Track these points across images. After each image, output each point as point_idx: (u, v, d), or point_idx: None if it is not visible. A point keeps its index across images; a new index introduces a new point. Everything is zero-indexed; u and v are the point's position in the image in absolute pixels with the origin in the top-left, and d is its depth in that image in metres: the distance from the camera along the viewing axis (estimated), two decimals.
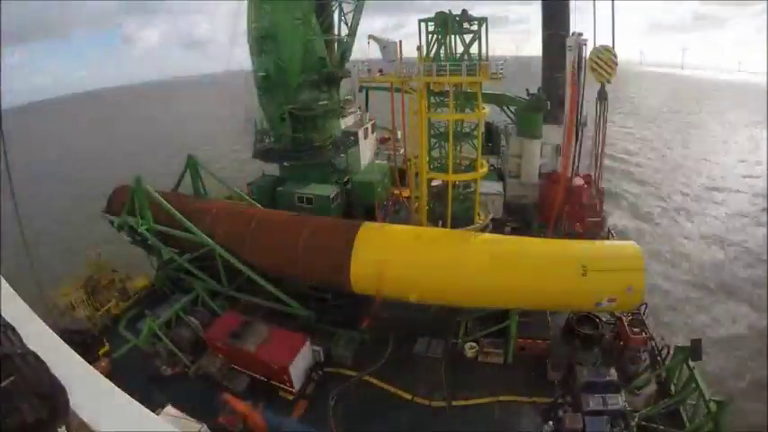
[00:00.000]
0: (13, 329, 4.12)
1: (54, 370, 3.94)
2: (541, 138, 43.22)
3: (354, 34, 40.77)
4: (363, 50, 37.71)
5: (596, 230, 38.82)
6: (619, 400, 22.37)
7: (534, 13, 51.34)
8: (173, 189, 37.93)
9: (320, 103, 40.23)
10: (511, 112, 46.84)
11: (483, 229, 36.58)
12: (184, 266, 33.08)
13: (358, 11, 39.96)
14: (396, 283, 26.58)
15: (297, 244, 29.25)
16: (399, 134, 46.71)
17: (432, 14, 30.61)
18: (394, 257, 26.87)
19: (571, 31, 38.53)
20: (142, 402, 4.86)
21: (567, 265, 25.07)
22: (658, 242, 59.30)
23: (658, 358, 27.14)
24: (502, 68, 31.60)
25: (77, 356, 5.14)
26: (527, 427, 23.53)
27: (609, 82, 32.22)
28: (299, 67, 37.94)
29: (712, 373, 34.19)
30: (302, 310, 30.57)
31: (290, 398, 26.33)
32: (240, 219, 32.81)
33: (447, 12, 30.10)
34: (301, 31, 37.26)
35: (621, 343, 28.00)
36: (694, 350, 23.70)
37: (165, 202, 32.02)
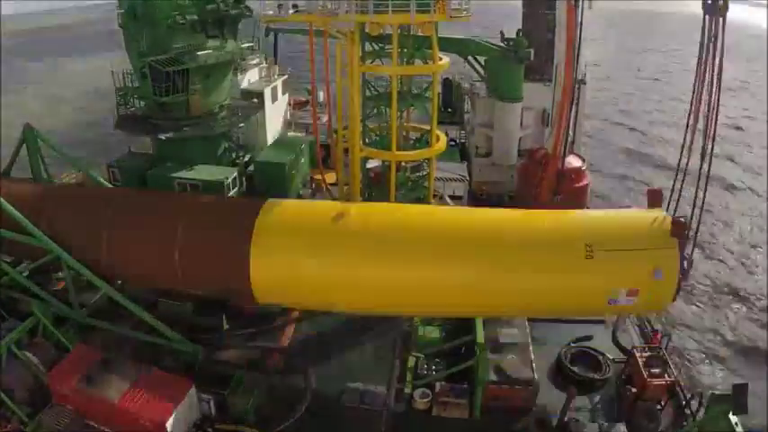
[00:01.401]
0: None
1: None
2: (521, 100, 42.75)
3: None
4: None
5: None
6: None
7: None
8: (2, 171, 36.07)
9: (205, 52, 38.37)
10: (479, 64, 46.05)
11: None
12: (18, 281, 31.31)
13: None
14: (316, 290, 25.91)
15: (171, 241, 27.86)
16: (321, 96, 47.06)
17: None
18: (312, 251, 25.63)
19: None
20: None
21: (563, 244, 24.20)
22: None
23: (686, 410, 26.27)
24: (468, 3, 31.31)
25: None
26: None
27: None
28: (173, 2, 36.26)
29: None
30: (185, 343, 29.16)
31: None
32: (91, 208, 31.19)
33: None
34: None
35: (634, 390, 26.78)
36: (738, 400, 22.54)
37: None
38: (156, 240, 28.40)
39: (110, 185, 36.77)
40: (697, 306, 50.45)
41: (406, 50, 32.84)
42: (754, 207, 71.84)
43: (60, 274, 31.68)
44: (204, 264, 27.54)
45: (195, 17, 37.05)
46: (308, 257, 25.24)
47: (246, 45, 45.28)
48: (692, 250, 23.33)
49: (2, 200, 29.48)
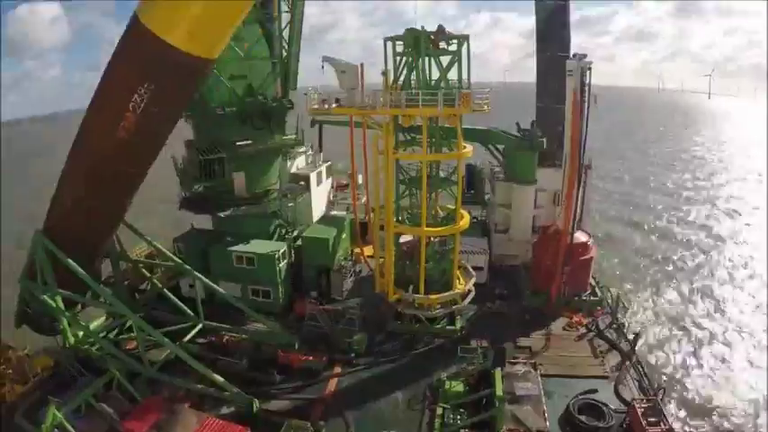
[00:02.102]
0: None
1: None
2: (535, 183, 44.97)
3: (296, 54, 42.76)
4: (317, 75, 37.72)
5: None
6: None
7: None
8: None
9: (245, 143, 41.34)
10: (498, 151, 48.20)
11: (464, 297, 38.15)
12: (96, 342, 33.29)
13: (297, 21, 41.71)
14: None
15: None
16: (360, 179, 47.67)
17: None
18: None
19: (572, 53, 40.44)
20: None
21: None
22: None
23: None
24: (487, 98, 32.86)
25: None
26: None
27: None
28: (221, 95, 39.53)
29: None
30: (242, 396, 30.57)
31: None
32: None
33: (420, 28, 31.53)
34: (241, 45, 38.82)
35: None
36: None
37: (70, 261, 31.76)
38: None
39: (177, 258, 39.40)
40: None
41: (434, 140, 34.31)
42: None
43: (132, 334, 34.16)
44: None
45: (245, 108, 40.45)
46: None
47: (289, 136, 46.42)
48: None
49: (80, 270, 31.60)
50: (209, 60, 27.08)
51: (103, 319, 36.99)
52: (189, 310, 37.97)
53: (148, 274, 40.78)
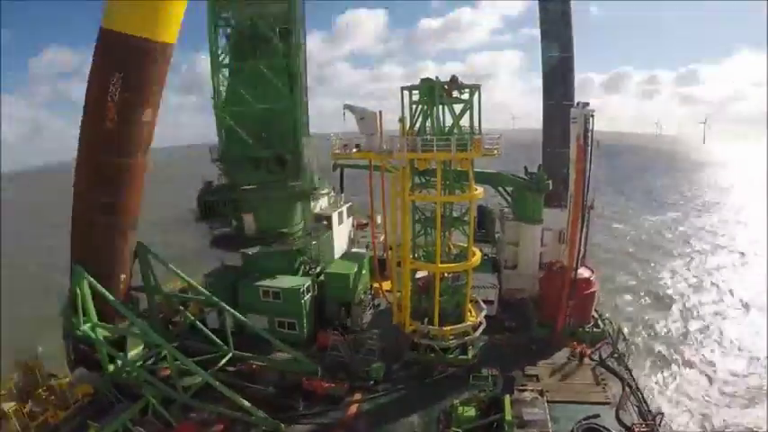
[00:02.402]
0: None
1: None
2: (542, 222, 46.72)
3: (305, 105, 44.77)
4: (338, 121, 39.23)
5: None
6: None
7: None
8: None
9: (250, 186, 43.57)
10: (507, 193, 49.08)
11: (475, 329, 39.55)
12: (133, 370, 34.85)
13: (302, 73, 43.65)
14: None
15: None
16: (379, 219, 49.63)
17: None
18: None
19: (576, 101, 41.72)
20: None
21: None
22: None
23: None
24: (497, 143, 34.25)
25: None
26: None
27: None
28: (260, 141, 41.95)
29: None
30: (269, 421, 32.14)
31: None
32: None
33: (434, 78, 33.38)
34: (261, 95, 41.40)
35: None
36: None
37: (108, 294, 34.09)
38: None
39: (207, 293, 40.80)
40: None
41: (447, 182, 35.58)
42: None
43: (166, 363, 35.38)
44: None
45: (277, 153, 42.73)
46: None
47: (317, 177, 47.93)
48: None
49: (118, 303, 33.99)
50: (166, 44, 31.84)
51: (141, 348, 38.20)
52: (219, 341, 39.37)
53: (181, 308, 42.83)
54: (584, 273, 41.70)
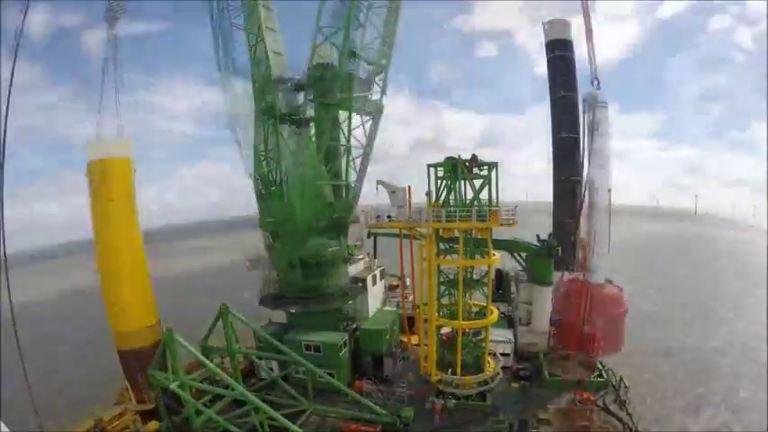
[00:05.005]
0: None
1: None
2: (552, 284, 48.63)
3: (362, 180, 47.30)
4: (372, 195, 42.73)
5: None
6: None
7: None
8: (203, 339, 39.84)
9: (329, 249, 46.37)
10: (522, 258, 50.87)
11: (493, 378, 41.39)
12: (221, 425, 34.00)
13: (366, 157, 47.05)
14: None
15: None
16: (408, 281, 51.56)
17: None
18: None
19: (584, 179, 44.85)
20: None
21: None
22: None
23: None
24: (513, 214, 36.16)
25: None
26: None
27: None
28: (308, 213, 44.66)
29: None
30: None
31: None
32: None
33: (457, 157, 35.76)
34: (310, 177, 44.12)
35: None
36: None
37: (198, 353, 34.95)
38: None
39: (290, 351, 40.97)
40: None
41: (469, 248, 37.30)
42: None
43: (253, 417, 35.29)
44: None
45: (324, 223, 45.43)
46: None
47: (354, 244, 52.62)
48: None
49: (207, 360, 34.38)
50: None
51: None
52: (298, 395, 40.28)
53: (258, 361, 44.21)
54: (611, 289, 41.35)
